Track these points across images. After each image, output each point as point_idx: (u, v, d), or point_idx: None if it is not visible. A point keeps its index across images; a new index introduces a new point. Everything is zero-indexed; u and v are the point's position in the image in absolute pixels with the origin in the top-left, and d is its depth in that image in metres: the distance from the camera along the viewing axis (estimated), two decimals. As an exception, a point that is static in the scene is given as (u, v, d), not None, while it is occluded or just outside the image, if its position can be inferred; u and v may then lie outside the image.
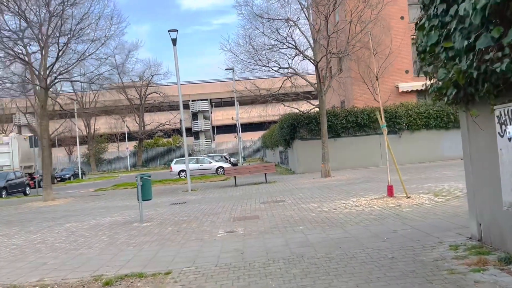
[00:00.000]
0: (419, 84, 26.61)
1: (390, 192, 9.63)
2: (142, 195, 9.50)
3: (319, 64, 17.37)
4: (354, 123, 21.69)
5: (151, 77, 57.99)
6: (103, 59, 18.55)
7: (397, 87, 25.93)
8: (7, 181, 24.21)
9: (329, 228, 7.14)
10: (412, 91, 25.80)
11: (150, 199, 9.88)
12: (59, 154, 62.77)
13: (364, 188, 12.71)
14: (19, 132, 53.35)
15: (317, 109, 22.49)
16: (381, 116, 9.87)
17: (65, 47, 17.48)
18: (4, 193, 23.58)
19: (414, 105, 22.16)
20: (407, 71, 26.18)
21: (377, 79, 9.92)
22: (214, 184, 20.09)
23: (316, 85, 17.98)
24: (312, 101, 21.71)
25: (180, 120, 16.72)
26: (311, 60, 17.54)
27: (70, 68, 18.12)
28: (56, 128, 55.94)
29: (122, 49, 20.20)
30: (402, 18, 25.18)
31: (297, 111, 20.29)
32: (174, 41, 17.62)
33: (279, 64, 18.36)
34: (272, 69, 18.11)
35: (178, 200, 14.39)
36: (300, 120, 21.57)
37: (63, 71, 18.03)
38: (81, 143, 59.77)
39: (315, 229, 7.16)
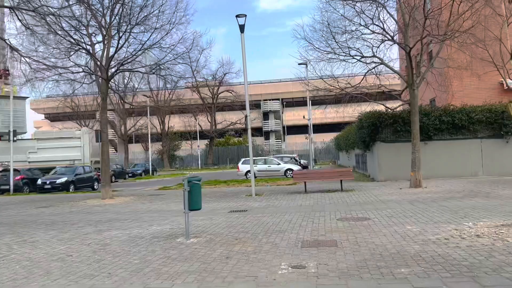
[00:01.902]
0: (530, 80, 22.32)
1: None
2: (190, 203, 7.60)
3: (412, 51, 14.45)
4: (449, 124, 18.27)
5: (223, 75, 57.43)
6: (168, 50, 17.20)
7: (502, 84, 21.85)
8: (76, 175, 24.14)
9: (451, 277, 4.61)
10: (521, 88, 21.58)
11: (199, 209, 7.95)
12: (136, 149, 64.77)
13: (474, 207, 9.75)
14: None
15: (403, 107, 19.43)
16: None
17: (128, 35, 16.39)
18: (72, 187, 23.48)
19: (528, 103, 18.15)
20: (514, 65, 21.94)
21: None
22: (281, 188, 17.94)
23: (406, 77, 15.07)
24: (395, 102, 18.76)
25: (246, 116, 14.77)
26: (402, 45, 14.63)
27: (132, 58, 17.00)
28: (133, 124, 57.57)
29: (193, 45, 19.01)
30: (510, 1, 21.10)
31: (382, 107, 17.43)
32: (241, 28, 15.75)
33: (361, 53, 15.70)
34: (354, 58, 15.48)
35: (239, 206, 12.44)
36: (384, 119, 18.64)
37: (125, 62, 16.97)
38: (156, 140, 61.15)
39: (429, 277, 4.65)
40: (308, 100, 32.00)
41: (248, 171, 26.58)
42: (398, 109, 18.93)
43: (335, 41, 15.69)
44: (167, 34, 17.18)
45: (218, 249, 6.67)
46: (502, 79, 22.11)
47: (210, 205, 12.99)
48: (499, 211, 8.95)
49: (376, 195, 13.40)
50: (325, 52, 16.02)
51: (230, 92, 58.01)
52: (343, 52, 15.78)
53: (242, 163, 27.89)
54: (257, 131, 65.80)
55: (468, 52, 14.26)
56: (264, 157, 31.11)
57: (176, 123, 63.16)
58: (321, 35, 15.83)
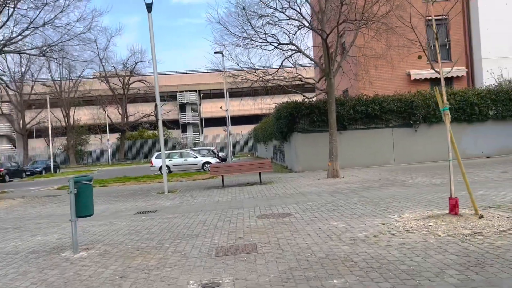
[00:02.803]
0: (433, 71, 23.61)
1: (454, 208, 6.40)
2: (77, 209, 6.15)
3: (328, 39, 14.07)
4: (363, 114, 18.47)
5: (135, 64, 54.10)
6: (64, 30, 14.99)
7: (409, 74, 22.87)
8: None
9: None
10: (426, 79, 22.76)
11: (90, 215, 6.51)
12: (38, 145, 58.86)
13: (394, 197, 9.50)
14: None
15: (319, 97, 19.27)
16: (441, 95, 6.60)
17: (12, 11, 13.93)
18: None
19: (433, 94, 18.98)
20: (420, 57, 22.95)
21: (436, 38, 6.64)
22: (197, 183, 16.77)
23: (323, 65, 14.72)
24: (312, 94, 18.51)
25: (156, 106, 13.30)
26: (318, 31, 14.18)
27: (19, 38, 14.54)
28: (33, 117, 51.88)
29: (92, 24, 16.82)
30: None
31: (300, 98, 16.99)
32: (149, 7, 14.18)
33: (278, 40, 15.04)
34: (272, 45, 14.75)
35: (147, 206, 11.05)
36: (301, 110, 18.28)
37: (9, 43, 14.45)
38: (62, 134, 55.95)
39: None
40: (225, 90, 31.01)
41: (162, 166, 24.98)
42: (314, 99, 18.73)
43: (251, 26, 14.84)
44: (62, 11, 14.98)
45: (112, 265, 5.36)
46: (409, 70, 23.26)
47: (114, 206, 11.43)
48: (419, 200, 8.74)
49: (295, 187, 12.84)
50: (241, 38, 15.12)
51: (143, 83, 54.94)
52: (260, 38, 15.01)
53: (156, 157, 26.12)
54: (174, 124, 63.43)
55: (383, 41, 14.24)
56: (180, 151, 29.53)
57: (83, 115, 58.49)
58: (237, 19, 14.87)
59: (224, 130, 46.05)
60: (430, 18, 22.69)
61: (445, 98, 6.52)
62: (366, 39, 14.49)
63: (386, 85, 22.19)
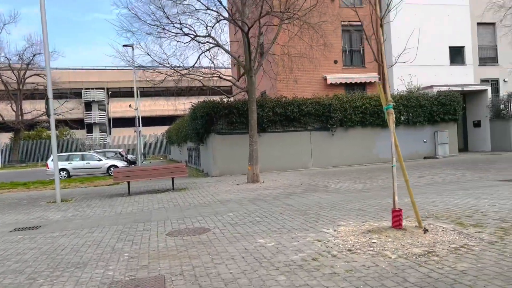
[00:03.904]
0: (348, 76, 23.92)
1: (398, 221, 5.60)
2: None
3: (250, 34, 13.03)
4: (282, 116, 17.80)
5: (32, 56, 48.49)
6: None
7: (325, 78, 22.86)
8: None
9: None
10: (341, 83, 22.95)
11: None
12: None
13: (321, 205, 8.67)
14: None
15: (237, 97, 18.24)
16: (384, 92, 5.77)
17: None
18: None
19: (350, 98, 19.02)
20: (335, 61, 23.26)
21: (381, 25, 5.81)
22: (99, 190, 14.66)
23: (243, 62, 13.64)
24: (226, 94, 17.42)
25: (47, 99, 11.13)
26: (237, 22, 13.04)
27: None
28: None
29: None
30: (332, 0, 22.08)
31: (218, 97, 15.74)
32: (40, -19, 11.91)
33: (195, 31, 13.65)
34: (188, 36, 13.31)
35: (31, 221, 8.95)
36: (219, 110, 17.04)
37: None
38: None
39: None
40: (135, 87, 28.65)
41: (62, 169, 22.09)
42: (233, 99, 17.65)
43: (165, 15, 13.26)
44: None
45: None
46: (325, 75, 23.28)
47: (-16, 222, 9.10)
48: (349, 209, 7.97)
49: (213, 194, 11.54)
50: (153, 26, 13.45)
51: (42, 77, 49.47)
52: (175, 28, 13.49)
53: (52, 160, 23.01)
54: (79, 123, 58.32)
55: (306, 39, 13.59)
56: (82, 153, 26.52)
57: (-32, 112, 51.07)
58: (148, 5, 13.19)
59: (135, 131, 43.18)
60: (345, 23, 22.80)
61: (389, 95, 5.71)
62: (289, 36, 13.74)
63: (304, 89, 21.92)
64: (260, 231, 6.48)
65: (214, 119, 17.14)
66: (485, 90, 21.87)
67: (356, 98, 18.99)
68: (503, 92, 23.01)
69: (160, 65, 13.27)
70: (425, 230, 5.54)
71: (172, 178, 13.22)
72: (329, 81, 22.75)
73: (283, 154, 17.91)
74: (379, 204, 8.26)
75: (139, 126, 32.80)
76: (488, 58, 24.59)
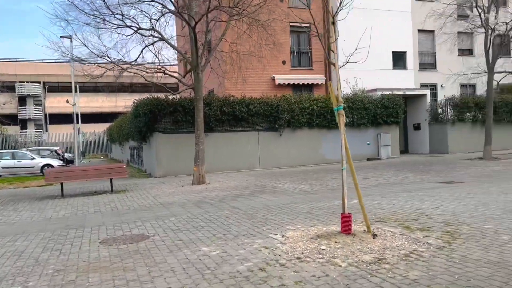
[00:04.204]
0: (296, 77, 24.01)
1: (348, 226, 5.41)
2: None
3: (197, 28, 12.51)
4: (230, 116, 17.42)
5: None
6: None
7: (274, 79, 22.78)
8: None
9: None
10: (288, 84, 22.98)
11: None
12: None
13: (269, 207, 8.40)
14: None
15: (183, 95, 17.63)
16: (337, 91, 5.55)
17: None
18: None
19: (298, 99, 19.02)
20: (284, 62, 23.25)
21: (333, 23, 5.57)
22: (29, 192, 13.47)
23: (190, 58, 13.10)
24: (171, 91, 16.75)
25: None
26: (183, 15, 12.47)
27: None
28: None
29: None
30: (281, 0, 22.00)
31: (163, 94, 15.04)
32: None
33: (138, 24, 12.91)
34: (131, 28, 12.55)
35: None
36: (163, 107, 16.32)
37: None
38: None
39: None
40: (72, 81, 26.99)
41: (-13, 169, 20.30)
42: (178, 96, 17.03)
43: (106, 4, 12.40)
44: None
45: None
46: (274, 75, 23.23)
47: None
48: (297, 212, 7.76)
49: (155, 196, 10.92)
50: (92, 16, 12.54)
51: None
52: (116, 19, 12.67)
53: (-23, 158, 21.06)
54: (11, 119, 54.26)
55: (255, 36, 13.29)
56: (12, 150, 24.52)
57: None
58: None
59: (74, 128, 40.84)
60: (294, 24, 22.82)
61: (340, 95, 5.51)
62: (238, 33, 13.38)
63: (253, 88, 21.69)
64: (204, 237, 6.06)
65: (158, 117, 16.40)
66: (425, 95, 22.83)
67: (304, 100, 19.04)
68: (441, 97, 24.16)
69: (98, 58, 12.38)
70: (374, 235, 5.40)
71: (111, 179, 12.40)
72: (277, 82, 22.68)
73: (231, 155, 17.55)
74: (326, 207, 8.12)
75: (77, 123, 30.99)
76: (428, 64, 25.74)
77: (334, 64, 5.40)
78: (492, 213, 6.68)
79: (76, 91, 31.83)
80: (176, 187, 12.73)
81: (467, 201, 7.98)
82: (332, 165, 18.18)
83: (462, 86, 25.56)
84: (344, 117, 5.45)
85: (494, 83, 18.17)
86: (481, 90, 25.37)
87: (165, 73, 13.22)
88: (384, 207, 7.82)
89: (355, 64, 6.42)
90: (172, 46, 13.19)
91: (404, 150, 23.77)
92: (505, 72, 18.18)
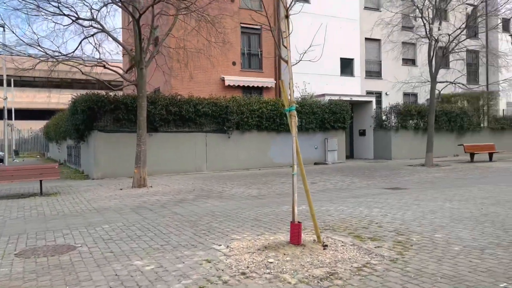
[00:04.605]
0: (246, 79, 23.62)
1: (297, 237, 5.01)
2: None
3: (142, 21, 11.73)
4: (176, 116, 16.67)
5: None
6: None
7: (223, 80, 22.27)
8: None
9: None
10: (238, 86, 22.57)
11: None
12: None
13: (214, 214, 7.88)
14: None
15: (127, 91, 16.68)
16: (289, 90, 5.15)
17: None
18: None
19: (248, 101, 18.63)
20: (234, 63, 22.82)
21: (286, 16, 5.15)
22: None
23: (133, 52, 12.28)
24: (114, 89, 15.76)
25: None
26: (128, 8, 11.66)
27: None
28: None
29: None
30: (232, 0, 21.60)
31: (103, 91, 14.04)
32: None
33: (77, 13, 11.89)
34: (69, 17, 11.51)
35: None
36: (104, 104, 15.27)
37: None
38: None
39: None
40: (4, 74, 24.88)
41: None
42: (121, 93, 16.04)
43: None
44: None
45: None
46: (223, 76, 22.73)
47: None
48: (244, 218, 7.30)
49: (89, 201, 10.00)
50: (23, 2, 11.37)
51: None
52: (52, 7, 11.59)
53: None
54: None
55: (204, 33, 12.71)
56: None
57: None
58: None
59: (9, 125, 37.88)
60: (245, 25, 22.48)
61: (292, 95, 5.11)
62: (185, 28, 12.74)
63: (201, 88, 21.06)
64: (139, 249, 5.42)
65: (98, 115, 15.32)
66: (370, 102, 23.32)
67: (253, 102, 18.69)
68: (385, 104, 24.81)
69: (28, 46, 11.24)
70: (325, 246, 5.05)
71: (41, 181, 11.27)
72: (227, 83, 22.18)
73: (176, 156, 16.78)
74: (274, 213, 7.74)
75: (10, 119, 28.65)
76: (374, 72, 26.41)
77: (286, 61, 5.00)
78: (440, 221, 6.60)
79: (10, 85, 29.47)
80: (115, 190, 11.83)
81: (414, 208, 7.93)
82: (281, 169, 17.97)
83: (405, 94, 26.47)
84: (296, 118, 5.06)
85: (436, 92, 18.83)
86: (422, 99, 26.44)
87: (105, 68, 12.28)
88: (333, 213, 7.56)
89: (304, 68, 6.14)
90: (114, 38, 12.28)
91: (350, 155, 24.13)
92: (447, 82, 18.89)
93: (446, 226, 6.26)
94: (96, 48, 12.96)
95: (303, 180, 5.19)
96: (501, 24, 23.29)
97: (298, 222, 5.04)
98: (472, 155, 19.67)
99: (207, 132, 17.56)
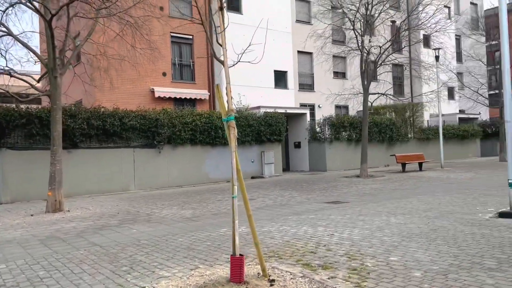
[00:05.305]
0: (178, 91, 22.46)
1: (238, 274, 4.15)
2: None
3: (56, 24, 10.35)
4: (100, 130, 15.15)
5: None
6: None
7: (153, 91, 21.00)
8: None
9: None
10: (170, 98, 21.41)
11: None
12: None
13: (139, 243, 6.79)
14: None
15: (44, 104, 14.90)
16: (227, 96, 4.32)
17: None
18: None
19: (180, 113, 17.56)
20: (164, 74, 21.66)
21: (221, 8, 4.34)
22: None
23: (46, 60, 10.79)
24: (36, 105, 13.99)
25: None
26: (39, 9, 10.23)
27: None
28: None
29: None
30: (161, 8, 20.52)
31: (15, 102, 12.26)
32: None
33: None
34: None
35: None
36: (14, 118, 13.42)
37: None
38: None
39: None
40: None
41: None
42: (35, 106, 14.27)
43: None
44: None
45: None
46: (153, 87, 21.44)
47: None
48: (175, 248, 6.31)
49: (-11, 232, 8.38)
50: None
51: None
52: None
53: None
54: None
55: (129, 39, 11.54)
56: None
57: None
58: None
59: None
60: (175, 35, 21.47)
61: (230, 102, 4.30)
62: (106, 32, 11.51)
63: (128, 100, 19.63)
64: (37, 299, 4.24)
65: (7, 130, 13.43)
66: (305, 114, 23.27)
67: (186, 114, 17.65)
68: (319, 116, 24.95)
69: None
70: (271, 282, 4.25)
71: None
72: (157, 94, 20.93)
73: (100, 175, 15.21)
74: (211, 238, 6.83)
75: None
76: (306, 84, 26.57)
77: (222, 62, 4.20)
78: (391, 240, 6.11)
79: None
80: (24, 217, 10.18)
81: (360, 224, 7.43)
82: (217, 184, 17.08)
83: (337, 107, 26.91)
84: (236, 130, 4.25)
85: (368, 104, 19.11)
86: (353, 111, 27.02)
87: (11, 76, 10.66)
88: (276, 235, 6.82)
89: (239, 80, 5.44)
90: (21, 42, 10.69)
91: (286, 167, 23.83)
92: (378, 93, 19.26)
93: (398, 245, 5.76)
94: (1, 54, 11.30)
95: (245, 204, 4.38)
96: (422, 39, 24.52)
97: (240, 255, 4.20)
98: (403, 165, 20.17)
99: (135, 148, 16.19)
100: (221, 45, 4.19)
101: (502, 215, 7.39)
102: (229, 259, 4.30)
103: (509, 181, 7.38)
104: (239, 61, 4.72)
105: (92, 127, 14.87)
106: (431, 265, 4.75)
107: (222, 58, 4.18)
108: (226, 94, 4.16)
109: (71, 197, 13.68)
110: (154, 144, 16.61)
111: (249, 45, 5.06)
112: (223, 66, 4.17)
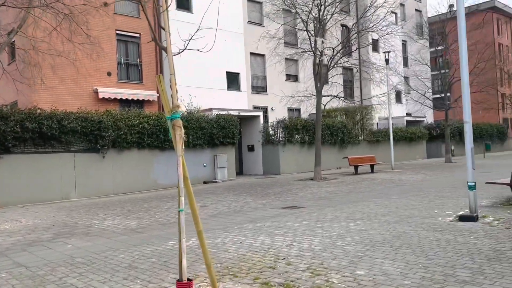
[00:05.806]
0: (124, 91, 21.21)
1: (187, 300, 3.49)
2: None
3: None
4: (36, 133, 13.79)
5: None
6: None
7: (97, 92, 19.71)
8: None
9: None
10: (115, 99, 20.21)
11: None
12: None
13: (73, 261, 5.92)
14: None
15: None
16: (172, 89, 3.64)
17: None
18: None
19: (126, 115, 16.47)
20: (109, 74, 20.42)
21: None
22: None
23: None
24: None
25: None
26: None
27: None
28: None
29: None
30: (105, 4, 19.30)
31: None
32: None
33: None
34: None
35: None
36: None
37: None
38: None
39: None
40: None
41: None
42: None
43: None
44: None
45: None
46: (97, 87, 20.12)
47: None
48: (114, 267, 5.51)
49: None
50: None
51: None
52: None
53: None
54: None
55: (66, 33, 10.45)
56: None
57: None
58: None
59: None
60: (121, 33, 20.31)
61: (176, 97, 3.63)
62: (43, 29, 10.37)
63: (69, 101, 18.25)
64: None
65: None
66: (258, 116, 22.82)
67: (133, 116, 16.58)
68: (272, 119, 24.62)
69: None
70: (226, 308, 3.62)
71: None
72: (101, 95, 19.65)
73: (36, 182, 13.84)
74: (157, 254, 6.09)
75: None
76: (259, 87, 26.20)
77: (165, 49, 3.54)
78: (354, 250, 5.68)
79: None
80: None
81: (319, 232, 6.98)
82: (166, 191, 16.16)
83: (290, 109, 26.75)
84: (183, 130, 3.59)
85: (321, 106, 18.97)
86: (306, 114, 26.97)
87: None
88: (230, 248, 6.20)
89: (190, 81, 4.84)
90: None
91: (239, 171, 23.25)
92: (331, 96, 19.17)
93: (363, 256, 5.33)
94: None
95: (194, 219, 3.72)
96: (371, 42, 24.91)
97: (188, 279, 3.54)
98: (356, 167, 20.23)
99: (75, 152, 14.93)
100: (163, 29, 3.53)
101: (462, 218, 7.23)
102: (176, 282, 3.63)
103: (469, 183, 7.24)
104: (185, 48, 4.06)
105: (26, 130, 13.49)
106: (402, 279, 4.33)
107: (165, 45, 3.52)
108: (171, 87, 3.49)
109: (1, 208, 12.29)
110: (97, 148, 15.42)
111: (198, 29, 4.40)
112: (166, 53, 3.51)
